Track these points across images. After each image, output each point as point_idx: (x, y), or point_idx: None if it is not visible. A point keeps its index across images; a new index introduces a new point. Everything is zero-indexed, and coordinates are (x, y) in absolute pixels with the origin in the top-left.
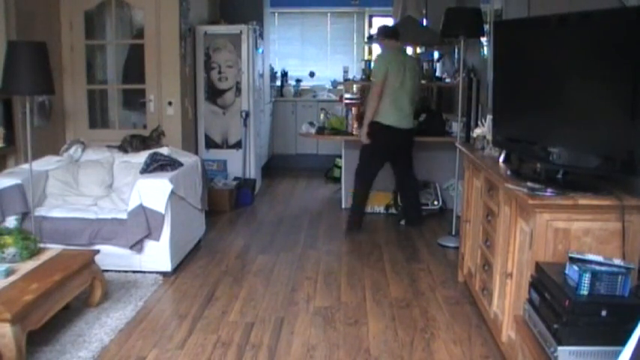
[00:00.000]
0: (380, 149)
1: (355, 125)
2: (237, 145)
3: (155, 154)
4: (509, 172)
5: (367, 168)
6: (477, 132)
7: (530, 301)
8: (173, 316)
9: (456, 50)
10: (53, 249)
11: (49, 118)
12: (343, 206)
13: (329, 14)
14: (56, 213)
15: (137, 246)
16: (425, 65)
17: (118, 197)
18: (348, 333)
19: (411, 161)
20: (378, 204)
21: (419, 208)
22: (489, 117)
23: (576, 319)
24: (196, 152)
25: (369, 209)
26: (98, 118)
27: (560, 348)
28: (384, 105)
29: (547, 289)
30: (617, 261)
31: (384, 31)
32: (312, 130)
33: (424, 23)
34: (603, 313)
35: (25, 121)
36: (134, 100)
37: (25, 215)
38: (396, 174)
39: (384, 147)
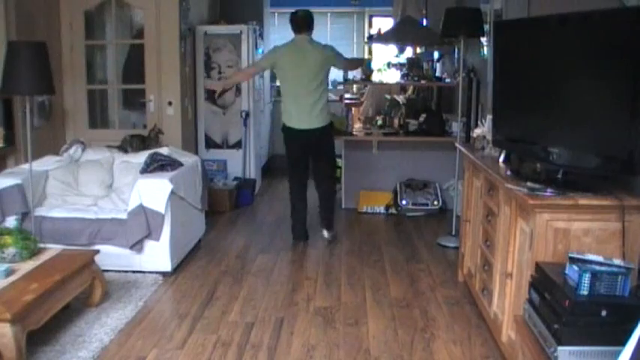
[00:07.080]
0: (288, 153)
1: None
2: (237, 145)
3: (155, 154)
4: (509, 172)
5: (290, 174)
6: (476, 132)
7: (530, 301)
8: (173, 316)
9: (456, 50)
10: (53, 249)
11: (49, 118)
12: (343, 206)
13: (329, 14)
14: (56, 213)
15: (137, 246)
16: (425, 65)
17: (118, 197)
18: (348, 333)
19: (326, 165)
20: (378, 204)
21: (329, 217)
22: (489, 117)
23: (576, 319)
24: (196, 152)
25: (368, 209)
26: (98, 118)
27: (560, 348)
28: (284, 105)
29: (547, 289)
30: (617, 261)
31: (291, 23)
32: None
33: (424, 23)
34: (603, 313)
35: (25, 121)
36: (134, 100)
37: (25, 215)
38: (314, 179)
39: (290, 150)
